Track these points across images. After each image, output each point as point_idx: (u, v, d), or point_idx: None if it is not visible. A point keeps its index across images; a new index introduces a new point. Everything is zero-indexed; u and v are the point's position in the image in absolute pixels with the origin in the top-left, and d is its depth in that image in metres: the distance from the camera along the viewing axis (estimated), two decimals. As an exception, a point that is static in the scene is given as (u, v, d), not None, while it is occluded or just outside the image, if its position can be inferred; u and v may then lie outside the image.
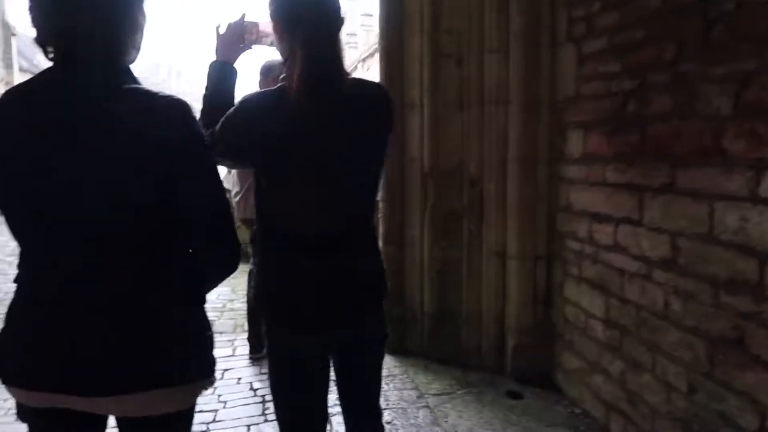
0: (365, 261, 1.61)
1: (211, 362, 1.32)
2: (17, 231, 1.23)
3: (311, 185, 1.49)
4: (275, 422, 1.67)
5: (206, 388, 1.32)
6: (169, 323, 1.23)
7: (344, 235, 1.55)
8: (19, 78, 17.22)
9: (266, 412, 3.00)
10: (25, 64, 17.51)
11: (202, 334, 1.32)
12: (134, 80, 1.21)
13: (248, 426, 2.88)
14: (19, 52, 17.58)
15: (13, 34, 17.19)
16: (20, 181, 1.17)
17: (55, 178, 1.14)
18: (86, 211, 1.15)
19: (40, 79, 1.19)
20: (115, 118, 1.14)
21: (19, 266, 1.26)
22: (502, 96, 3.23)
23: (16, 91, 1.21)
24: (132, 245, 1.20)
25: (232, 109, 1.50)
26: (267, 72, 3.30)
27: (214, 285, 1.38)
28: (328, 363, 1.65)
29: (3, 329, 1.24)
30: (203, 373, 1.30)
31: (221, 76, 1.64)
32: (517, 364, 3.26)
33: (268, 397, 3.11)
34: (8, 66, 17.10)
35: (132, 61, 1.25)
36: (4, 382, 1.24)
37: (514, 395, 3.09)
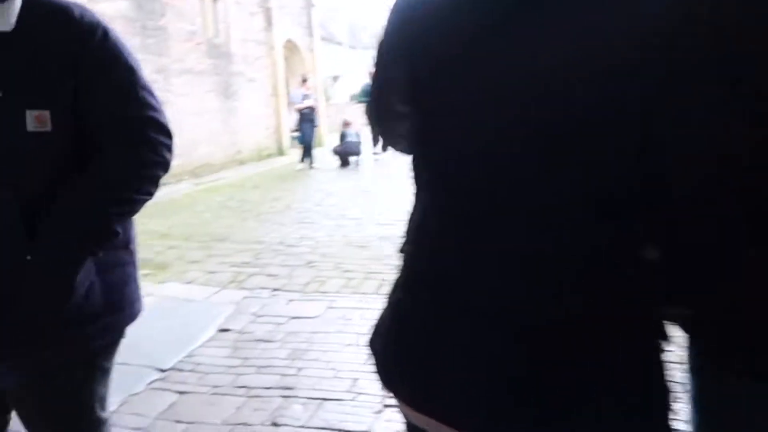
0: None
1: None
2: (423, 170, 0.95)
3: None
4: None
5: None
6: (618, 363, 0.81)
7: None
8: (319, 45, 18.58)
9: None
10: (323, 33, 18.87)
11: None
12: None
13: None
14: (319, 23, 18.96)
15: (313, 5, 18.44)
16: (438, 93, 0.89)
17: (477, 90, 0.83)
18: (512, 149, 0.81)
19: None
20: (562, 11, 0.77)
21: (407, 231, 0.97)
22: None
23: None
24: (588, 220, 0.79)
25: None
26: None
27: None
28: None
29: (383, 315, 0.99)
30: None
31: None
32: None
33: None
34: (309, 34, 18.50)
35: None
36: (385, 386, 0.98)
37: None
